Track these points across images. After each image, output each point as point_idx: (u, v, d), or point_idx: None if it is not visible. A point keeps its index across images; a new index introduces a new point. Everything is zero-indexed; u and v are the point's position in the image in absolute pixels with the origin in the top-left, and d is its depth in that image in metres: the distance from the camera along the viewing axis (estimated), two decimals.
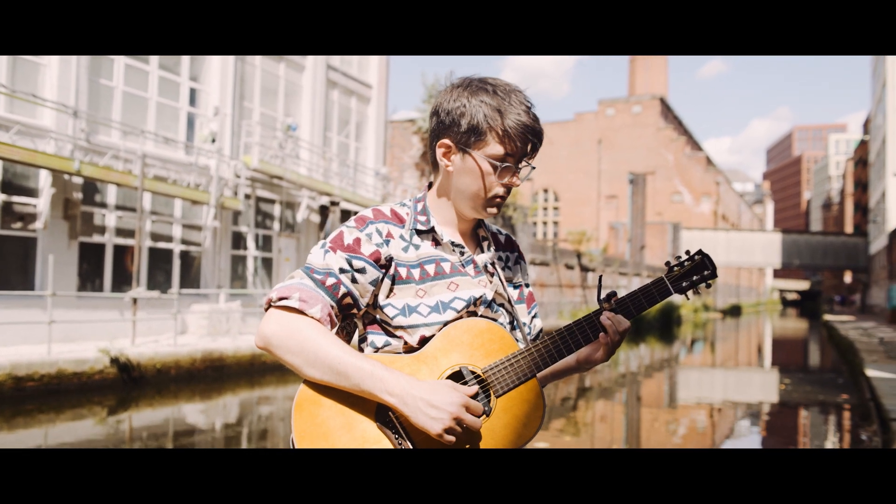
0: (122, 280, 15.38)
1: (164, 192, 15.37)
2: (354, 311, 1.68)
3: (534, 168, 1.75)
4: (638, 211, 49.92)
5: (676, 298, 41.30)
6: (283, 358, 1.57)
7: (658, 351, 26.64)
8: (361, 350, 1.74)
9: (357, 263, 1.64)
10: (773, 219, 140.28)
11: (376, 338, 1.70)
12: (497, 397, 1.63)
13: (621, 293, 1.74)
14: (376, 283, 1.68)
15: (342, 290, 1.63)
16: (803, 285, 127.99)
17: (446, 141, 1.72)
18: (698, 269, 1.78)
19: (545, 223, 71.85)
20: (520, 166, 1.71)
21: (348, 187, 22.36)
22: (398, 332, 1.68)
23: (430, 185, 1.86)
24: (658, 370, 20.25)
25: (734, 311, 69.14)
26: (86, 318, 13.46)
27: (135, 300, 13.50)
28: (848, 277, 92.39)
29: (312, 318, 1.58)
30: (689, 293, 1.80)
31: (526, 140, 1.67)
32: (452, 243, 1.75)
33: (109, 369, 11.52)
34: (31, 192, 13.62)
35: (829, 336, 33.05)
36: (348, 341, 1.79)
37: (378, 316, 1.71)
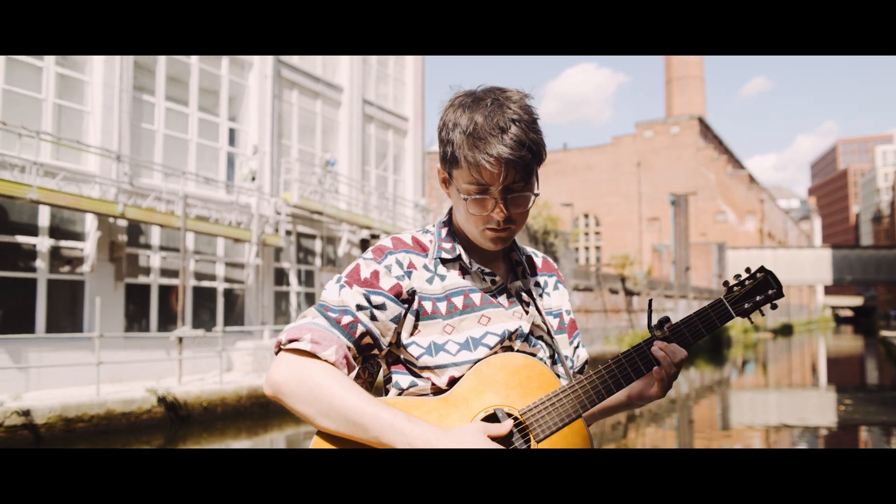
0: (168, 320, 15.56)
1: (206, 232, 15.58)
2: (375, 351, 1.51)
3: (537, 195, 1.51)
4: (681, 232, 49.22)
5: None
6: (294, 408, 1.40)
7: (708, 374, 26.01)
8: (387, 391, 1.57)
9: (376, 299, 1.47)
10: (821, 235, 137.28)
11: (401, 378, 1.53)
12: (538, 442, 1.45)
13: (668, 316, 1.57)
14: (398, 320, 1.50)
15: (360, 329, 1.45)
16: (856, 301, 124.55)
17: (440, 167, 1.56)
18: (761, 289, 1.60)
19: (587, 248, 71.27)
20: (509, 196, 1.46)
21: (388, 220, 22.44)
22: (425, 374, 1.51)
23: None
24: (710, 393, 19.75)
25: (785, 331, 67.48)
26: (133, 359, 13.61)
27: (180, 339, 13.61)
28: None
29: (326, 361, 1.40)
30: (752, 315, 1.61)
31: (497, 169, 1.41)
32: (482, 271, 1.57)
33: (157, 408, 11.60)
34: (78, 237, 13.89)
35: (886, 353, 32.02)
36: (371, 383, 1.61)
37: (402, 356, 1.54)
